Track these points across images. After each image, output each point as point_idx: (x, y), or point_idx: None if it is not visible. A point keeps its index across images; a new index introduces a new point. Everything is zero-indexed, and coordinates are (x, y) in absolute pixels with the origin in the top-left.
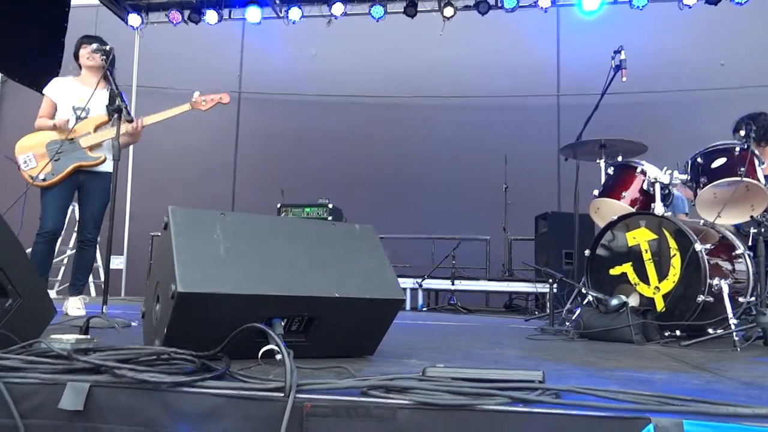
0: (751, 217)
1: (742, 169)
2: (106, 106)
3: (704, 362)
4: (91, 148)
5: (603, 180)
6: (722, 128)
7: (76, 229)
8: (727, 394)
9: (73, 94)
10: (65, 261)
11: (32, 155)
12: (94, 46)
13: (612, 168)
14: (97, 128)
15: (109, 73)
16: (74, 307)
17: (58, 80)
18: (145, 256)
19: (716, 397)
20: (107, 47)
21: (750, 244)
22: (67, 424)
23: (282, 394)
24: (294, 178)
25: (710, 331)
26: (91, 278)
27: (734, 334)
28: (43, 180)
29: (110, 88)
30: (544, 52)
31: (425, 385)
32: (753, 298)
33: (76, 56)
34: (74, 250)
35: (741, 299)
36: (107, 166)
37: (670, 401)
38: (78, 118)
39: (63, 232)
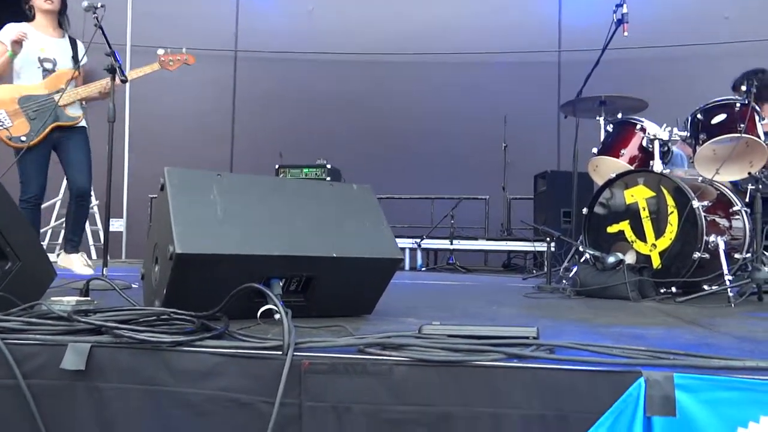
0: (749, 173)
1: (742, 125)
2: (72, 57)
3: (698, 318)
4: (67, 106)
5: (602, 137)
6: (725, 84)
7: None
8: (720, 348)
9: (33, 43)
10: (64, 225)
11: (5, 113)
12: None
13: (611, 125)
14: (67, 83)
15: (67, 20)
16: (82, 264)
17: (12, 25)
18: (144, 218)
19: (709, 351)
20: (98, 4)
21: (747, 200)
22: (69, 384)
23: (280, 353)
24: (292, 139)
25: (705, 287)
26: (91, 241)
27: (729, 290)
28: (23, 141)
29: (69, 35)
30: (546, 6)
31: (421, 342)
32: (749, 255)
33: None
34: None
35: (737, 255)
36: (82, 121)
37: (662, 355)
38: (45, 71)
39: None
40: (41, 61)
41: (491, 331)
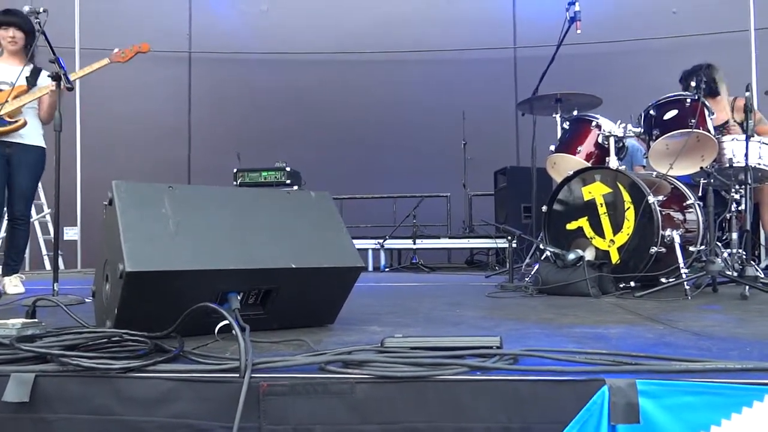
0: (701, 168)
1: (693, 120)
2: (27, 77)
3: (657, 313)
4: (10, 114)
5: (559, 134)
6: (676, 77)
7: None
8: (679, 347)
9: None
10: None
11: None
12: (11, 31)
13: (567, 122)
14: (15, 97)
15: (33, 47)
16: (12, 285)
17: None
18: (100, 225)
19: (668, 350)
20: (39, 10)
21: (700, 194)
22: (13, 417)
23: (237, 375)
24: (251, 139)
25: (663, 280)
26: (44, 251)
27: (685, 283)
28: None
29: (33, 65)
30: (500, 2)
31: (383, 357)
32: (703, 247)
33: None
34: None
35: (692, 248)
36: (36, 140)
37: (624, 359)
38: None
39: None
40: None
41: (454, 342)
